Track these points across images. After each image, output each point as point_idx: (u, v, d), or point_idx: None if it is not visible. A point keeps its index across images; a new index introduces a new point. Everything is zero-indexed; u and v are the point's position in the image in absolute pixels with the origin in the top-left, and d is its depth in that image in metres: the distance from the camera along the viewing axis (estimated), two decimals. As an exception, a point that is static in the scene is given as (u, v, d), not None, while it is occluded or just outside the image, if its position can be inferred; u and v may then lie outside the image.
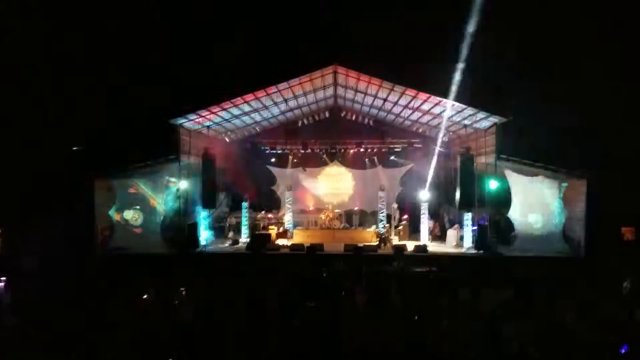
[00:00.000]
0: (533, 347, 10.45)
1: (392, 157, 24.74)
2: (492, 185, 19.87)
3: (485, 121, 20.42)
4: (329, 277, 16.14)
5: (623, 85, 22.68)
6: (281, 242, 22.39)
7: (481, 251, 19.39)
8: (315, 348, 10.80)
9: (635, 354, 9.39)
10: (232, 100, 20.55)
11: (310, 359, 10.50)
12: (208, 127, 22.68)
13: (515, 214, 20.02)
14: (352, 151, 24.94)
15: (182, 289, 14.58)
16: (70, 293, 15.75)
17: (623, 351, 9.39)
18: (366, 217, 26.16)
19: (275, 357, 10.73)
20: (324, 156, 26.12)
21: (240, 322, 13.45)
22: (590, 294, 14.37)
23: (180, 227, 20.81)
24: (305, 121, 25.94)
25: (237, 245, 21.90)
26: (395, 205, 25.07)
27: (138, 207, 20.52)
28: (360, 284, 16.04)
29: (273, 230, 23.33)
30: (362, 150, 24.50)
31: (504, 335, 11.81)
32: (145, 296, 14.75)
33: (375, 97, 22.75)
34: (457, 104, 19.60)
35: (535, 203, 19.82)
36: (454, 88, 18.82)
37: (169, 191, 21.16)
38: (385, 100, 22.59)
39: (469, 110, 19.94)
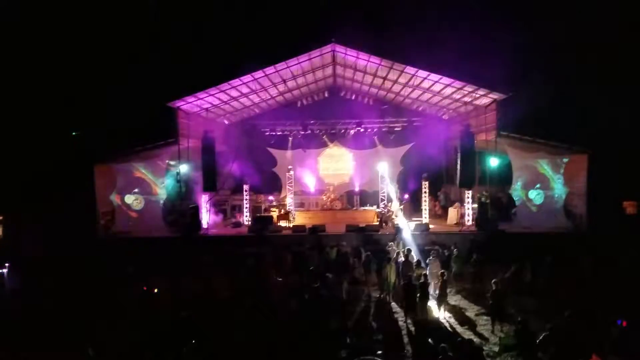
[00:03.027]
0: (535, 322, 10.55)
1: (392, 136, 24.62)
2: (493, 162, 19.78)
3: (485, 98, 20.26)
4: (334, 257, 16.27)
5: (623, 57, 22.51)
6: (283, 224, 22.44)
7: (482, 228, 19.40)
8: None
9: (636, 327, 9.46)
10: (230, 82, 20.37)
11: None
12: (207, 109, 22.53)
13: (516, 190, 20.00)
14: (352, 131, 24.79)
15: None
16: (74, 277, 15.89)
17: (622, 325, 9.44)
18: (367, 197, 26.19)
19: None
20: (324, 137, 26.00)
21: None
22: (591, 268, 14.48)
23: (181, 210, 20.84)
24: (305, 101, 25.73)
25: (239, 228, 21.96)
26: (396, 185, 25.07)
27: (139, 191, 20.52)
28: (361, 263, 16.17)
29: (275, 213, 23.35)
30: (362, 130, 24.34)
31: (506, 310, 11.95)
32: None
33: (375, 75, 22.53)
34: (456, 80, 19.43)
35: (536, 179, 19.79)
36: (453, 65, 18.72)
37: (170, 175, 21.14)
38: (384, 78, 22.36)
39: (469, 87, 19.77)
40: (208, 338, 10.62)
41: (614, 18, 22.70)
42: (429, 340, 9.77)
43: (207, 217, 21.47)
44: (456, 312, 13.24)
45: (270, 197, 25.47)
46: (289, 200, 24.21)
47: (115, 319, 12.67)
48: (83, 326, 10.84)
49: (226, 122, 26.01)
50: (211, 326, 11.79)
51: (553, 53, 24.51)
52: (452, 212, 22.17)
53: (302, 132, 24.27)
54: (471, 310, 13.37)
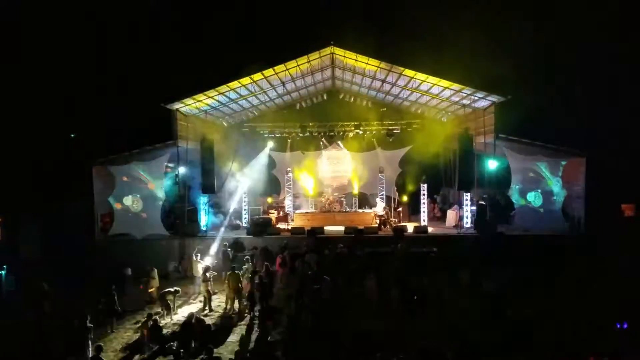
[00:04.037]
0: (533, 324, 10.56)
1: (391, 139, 24.68)
2: (491, 164, 19.83)
3: (483, 101, 20.29)
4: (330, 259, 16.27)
5: (623, 61, 22.57)
6: (282, 226, 22.41)
7: (480, 231, 19.41)
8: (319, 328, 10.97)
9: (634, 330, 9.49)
10: (229, 84, 20.37)
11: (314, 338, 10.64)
12: (206, 111, 22.53)
13: (514, 192, 20.02)
14: (350, 133, 24.85)
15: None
16: (73, 279, 15.87)
17: (622, 327, 9.47)
18: (366, 199, 26.18)
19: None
20: (323, 139, 26.03)
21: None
22: (590, 271, 14.51)
23: (180, 212, 20.79)
24: (304, 104, 25.78)
25: (237, 230, 21.93)
26: (394, 187, 25.09)
27: (137, 193, 20.46)
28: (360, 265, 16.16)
29: (273, 215, 23.31)
30: (360, 132, 24.41)
31: (505, 313, 11.95)
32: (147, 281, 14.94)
33: (374, 78, 22.56)
34: (455, 83, 19.46)
35: (535, 181, 19.81)
36: (452, 67, 18.74)
37: (168, 177, 21.10)
38: (383, 81, 22.40)
39: (467, 90, 19.80)
40: (208, 340, 10.62)
41: (613, 18, 22.77)
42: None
43: (205, 219, 21.45)
44: (455, 313, 13.24)
45: (269, 199, 25.44)
46: (288, 202, 24.18)
47: (116, 320, 12.69)
48: (83, 327, 10.79)
49: (225, 124, 26.01)
50: (211, 328, 11.81)
51: (551, 55, 24.58)
52: (451, 215, 22.20)
53: (301, 135, 24.30)
54: (469, 312, 13.38)
